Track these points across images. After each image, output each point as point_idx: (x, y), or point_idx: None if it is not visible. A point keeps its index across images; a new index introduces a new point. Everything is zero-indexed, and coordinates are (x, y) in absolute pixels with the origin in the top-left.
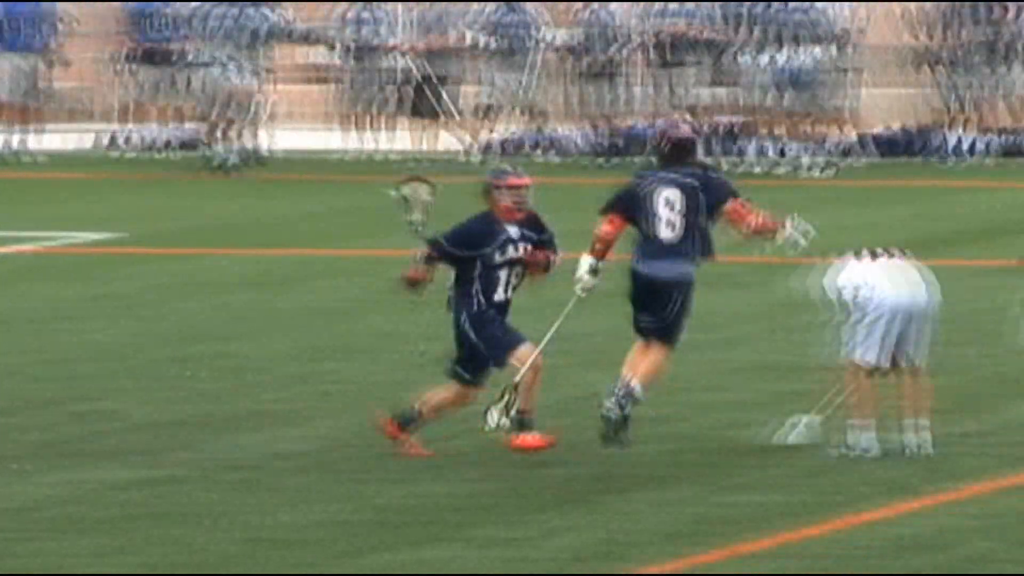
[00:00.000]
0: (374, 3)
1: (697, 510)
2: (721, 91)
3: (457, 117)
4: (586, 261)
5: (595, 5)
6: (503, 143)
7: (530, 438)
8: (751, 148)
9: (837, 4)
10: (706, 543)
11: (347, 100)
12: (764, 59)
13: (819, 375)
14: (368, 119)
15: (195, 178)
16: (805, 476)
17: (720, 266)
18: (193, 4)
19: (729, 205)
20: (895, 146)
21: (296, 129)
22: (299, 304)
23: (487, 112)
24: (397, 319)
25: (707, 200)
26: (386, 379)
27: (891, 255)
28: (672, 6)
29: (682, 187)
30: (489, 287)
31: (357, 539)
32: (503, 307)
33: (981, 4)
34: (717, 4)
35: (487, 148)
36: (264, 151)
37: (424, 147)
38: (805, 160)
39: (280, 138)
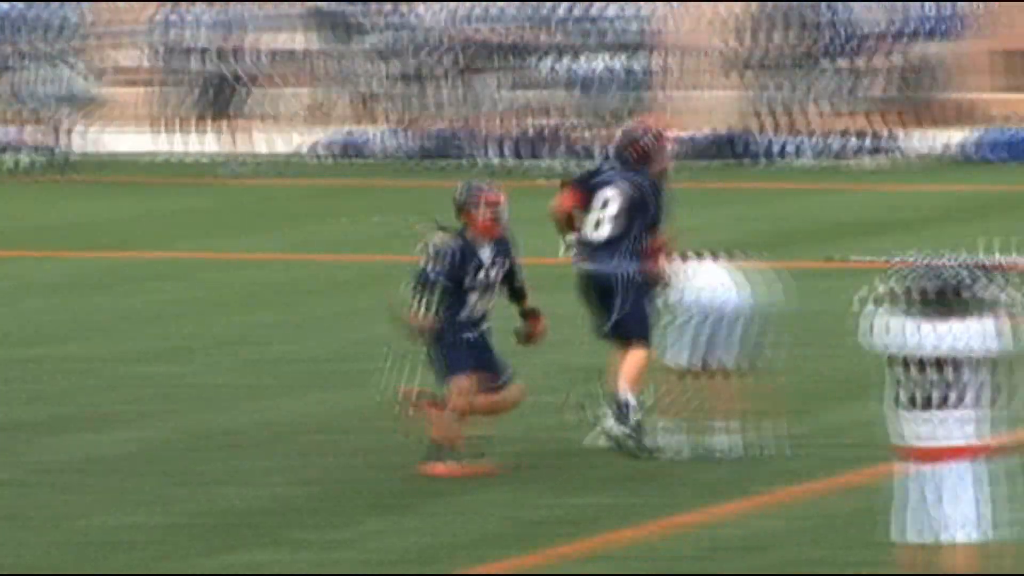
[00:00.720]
0: (182, 5)
1: (514, 513)
2: (527, 95)
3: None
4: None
5: (403, 8)
6: (330, 144)
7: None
8: (560, 153)
9: (646, 6)
10: (522, 546)
11: (157, 102)
12: (566, 64)
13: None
14: (179, 122)
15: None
16: (620, 479)
17: (551, 267)
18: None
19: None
20: (711, 148)
21: (119, 132)
22: (129, 306)
23: (316, 113)
24: (227, 322)
25: (642, 213)
26: (220, 382)
27: (706, 257)
28: (478, 10)
29: (624, 191)
30: (455, 309)
31: (175, 543)
32: (471, 327)
33: (794, 6)
34: (526, 8)
35: (315, 148)
36: (76, 153)
37: (239, 149)
38: None
39: (98, 140)
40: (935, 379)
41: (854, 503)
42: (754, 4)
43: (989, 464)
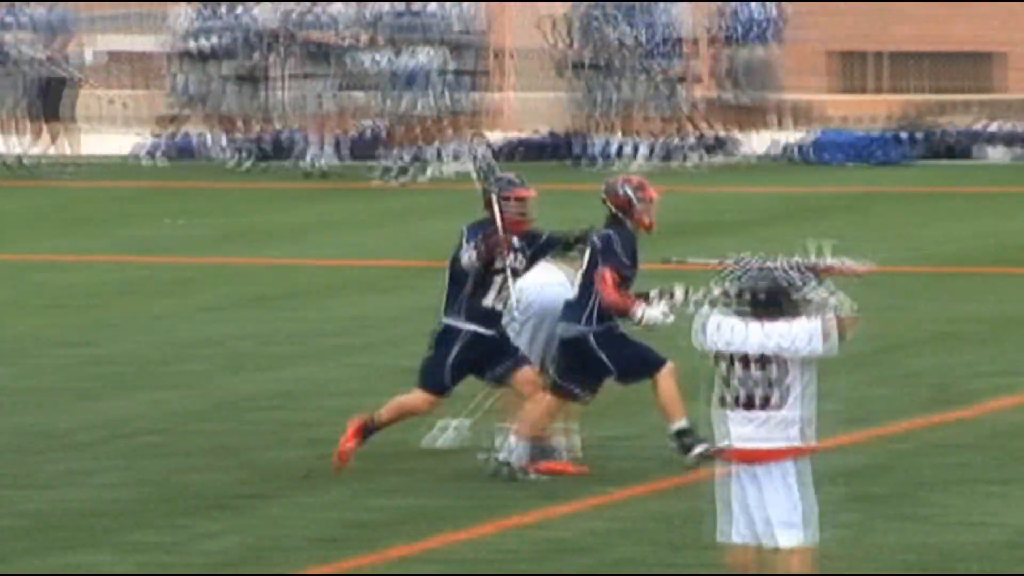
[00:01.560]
0: (16, 4)
1: (347, 514)
2: (356, 95)
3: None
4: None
5: (239, 9)
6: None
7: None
8: (392, 154)
9: (473, 5)
10: (356, 547)
11: None
12: (395, 63)
13: (467, 380)
14: (14, 123)
15: None
16: (455, 480)
17: (370, 270)
18: None
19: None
20: (545, 149)
21: None
22: None
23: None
24: (57, 323)
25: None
26: (50, 384)
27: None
28: (314, 10)
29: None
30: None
31: (5, 544)
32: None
33: (624, 6)
34: (354, 9)
35: (147, 150)
36: None
37: (70, 151)
38: (450, 165)
39: None
40: (759, 377)
41: (686, 504)
42: (583, 4)
43: (813, 465)
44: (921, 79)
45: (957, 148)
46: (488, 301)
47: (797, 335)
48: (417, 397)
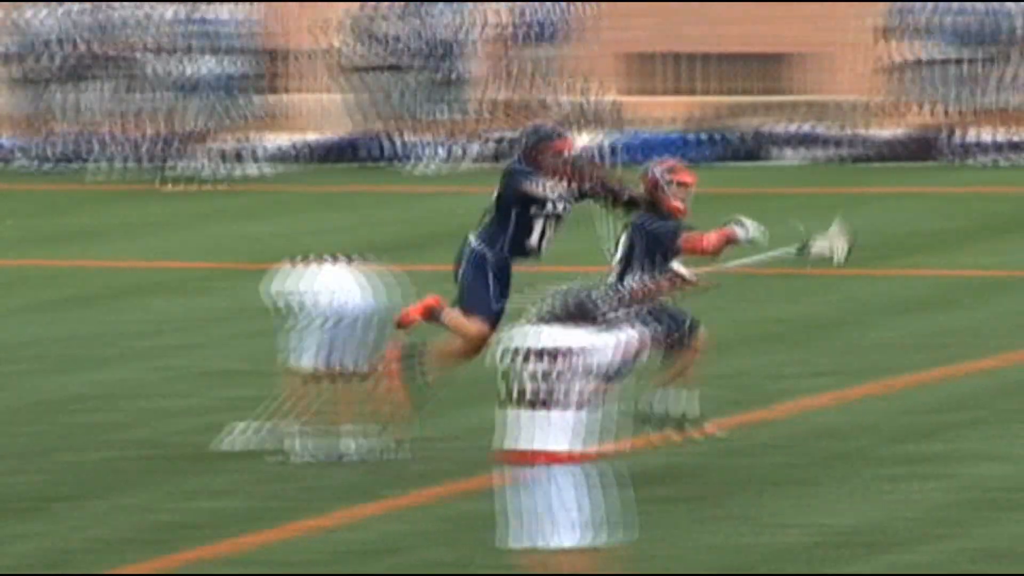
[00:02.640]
0: None
1: (152, 517)
2: (140, 99)
3: None
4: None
5: (28, 12)
6: None
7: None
8: (199, 155)
9: (254, 8)
10: (153, 550)
11: None
12: (178, 68)
13: (273, 381)
14: None
15: None
16: (255, 482)
17: (177, 271)
18: None
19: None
20: (336, 152)
21: None
22: None
23: None
24: None
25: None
26: None
27: (330, 261)
28: (88, 17)
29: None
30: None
31: None
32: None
33: (399, 6)
34: (136, 13)
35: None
36: None
37: None
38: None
39: None
40: (543, 371)
41: (482, 506)
42: (369, 5)
43: (596, 467)
44: (715, 81)
45: (750, 149)
46: (532, 240)
47: (586, 342)
48: (471, 326)
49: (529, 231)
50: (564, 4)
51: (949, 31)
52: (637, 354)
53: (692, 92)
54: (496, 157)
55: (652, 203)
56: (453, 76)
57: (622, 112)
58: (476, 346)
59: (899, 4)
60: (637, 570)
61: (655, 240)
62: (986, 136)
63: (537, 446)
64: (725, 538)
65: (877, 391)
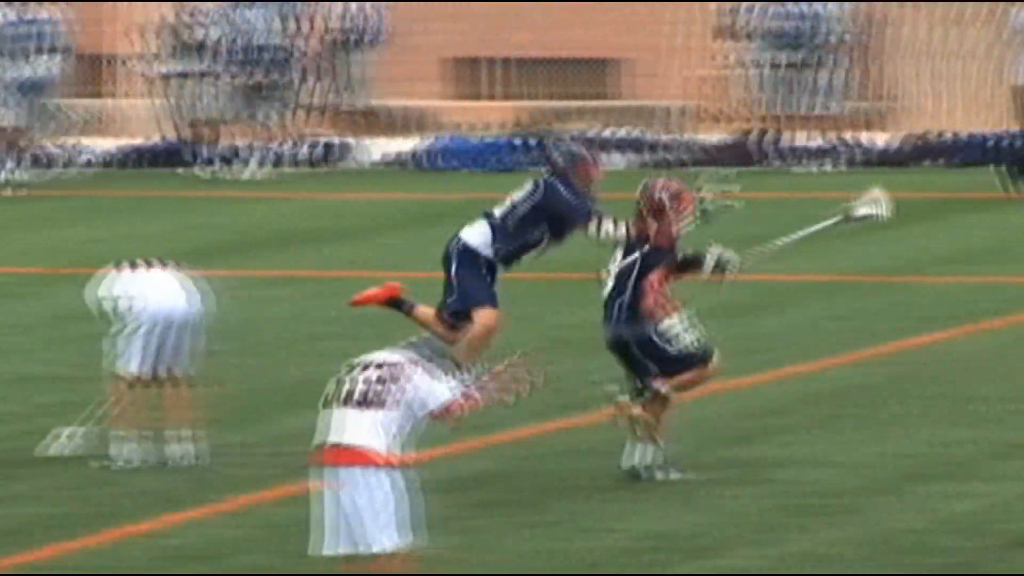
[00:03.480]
0: None
1: None
2: None
3: None
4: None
5: None
6: None
7: None
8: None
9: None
10: None
11: None
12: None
13: (97, 386)
14: None
15: None
16: (73, 488)
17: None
18: None
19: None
20: (156, 156)
21: None
22: None
23: None
24: None
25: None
26: None
27: (154, 265)
28: None
29: (535, 183)
30: None
31: None
32: None
33: (212, 11)
34: None
35: None
36: None
37: None
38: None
39: None
40: (364, 376)
41: (303, 511)
42: (185, 9)
43: (438, 471)
44: (539, 85)
45: None
46: (527, 257)
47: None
48: (487, 316)
49: (534, 247)
50: (383, 8)
51: (771, 36)
52: (448, 411)
53: (517, 97)
54: (312, 163)
55: (645, 222)
56: (270, 81)
57: (447, 117)
58: (492, 334)
59: (726, 7)
60: (455, 571)
61: (559, 218)
62: (805, 141)
63: (356, 442)
64: (542, 543)
65: (693, 396)
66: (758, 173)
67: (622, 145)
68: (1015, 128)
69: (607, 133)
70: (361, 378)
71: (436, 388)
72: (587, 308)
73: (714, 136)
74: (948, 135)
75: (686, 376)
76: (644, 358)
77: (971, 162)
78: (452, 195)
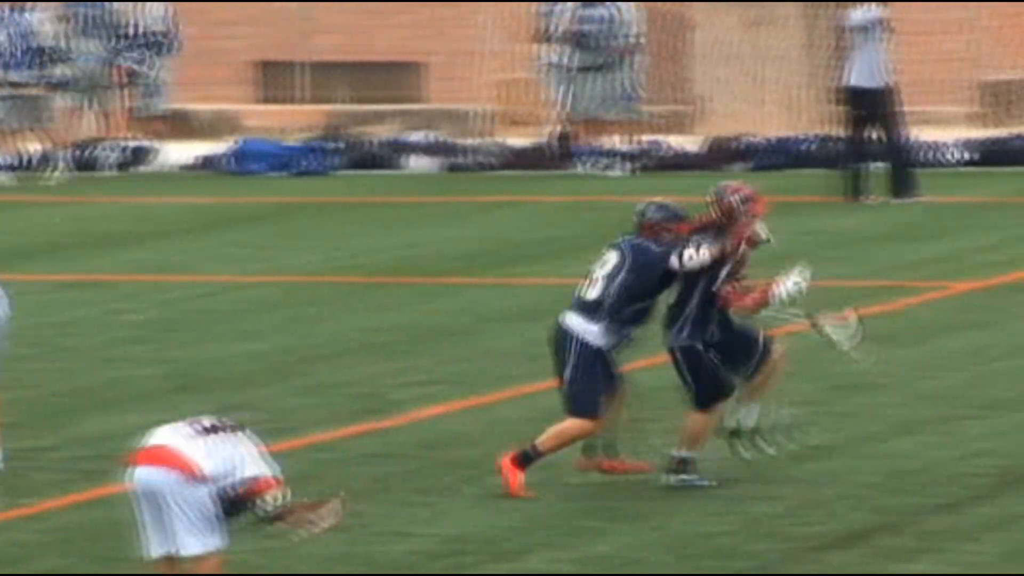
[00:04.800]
0: None
1: None
2: None
3: None
4: None
5: None
6: None
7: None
8: None
9: None
10: None
11: None
12: None
13: None
14: None
15: None
16: None
17: None
18: None
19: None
20: None
21: None
22: None
23: None
24: None
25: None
26: None
27: None
28: None
29: (619, 250)
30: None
31: None
32: None
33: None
34: None
35: None
36: None
37: None
38: None
39: None
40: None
41: (109, 515)
42: None
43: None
44: (345, 89)
45: (381, 158)
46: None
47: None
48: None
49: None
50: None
51: (573, 39)
52: (259, 485)
53: (322, 101)
54: (118, 166)
55: (719, 229)
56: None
57: (252, 120)
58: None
59: (530, 9)
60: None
61: (645, 268)
62: (605, 145)
63: (174, 445)
64: (345, 547)
65: (495, 399)
66: (561, 176)
67: (426, 149)
68: (822, 131)
69: (412, 137)
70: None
71: (259, 463)
72: (389, 312)
73: (518, 140)
74: (753, 138)
75: (760, 374)
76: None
77: (776, 166)
78: (256, 198)
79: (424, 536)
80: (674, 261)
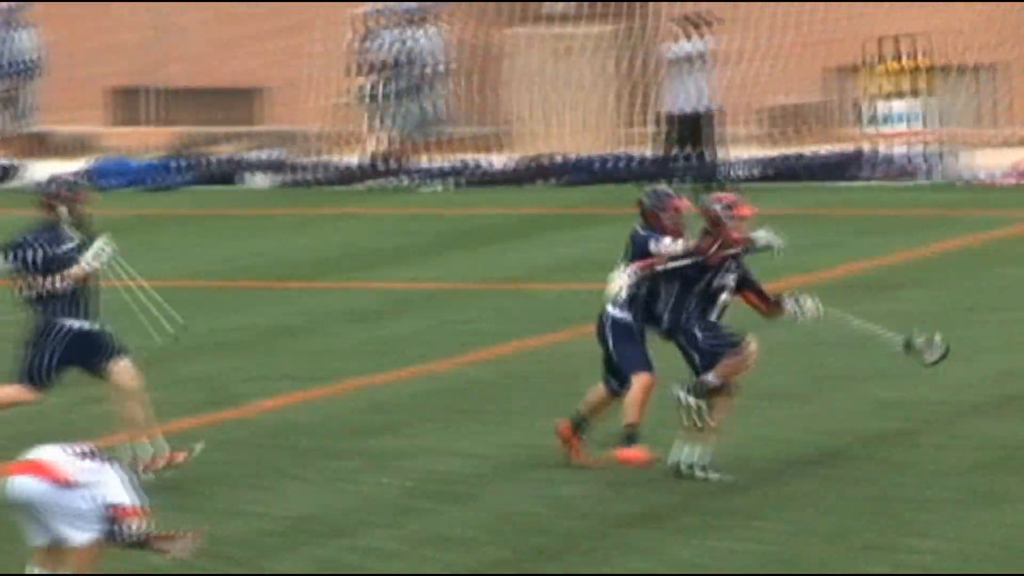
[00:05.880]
0: None
1: None
2: None
3: None
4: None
5: None
6: None
7: (632, 452)
8: None
9: None
10: None
11: None
12: None
13: None
14: None
15: None
16: None
17: None
18: None
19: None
20: None
21: None
22: None
23: None
24: None
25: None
26: None
27: None
28: None
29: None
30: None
31: None
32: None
33: None
34: None
35: None
36: None
37: None
38: None
39: None
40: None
41: None
42: None
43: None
44: (192, 112)
45: (225, 174)
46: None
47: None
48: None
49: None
50: (37, 39)
51: (390, 67)
52: (122, 516)
53: (172, 123)
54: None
55: (710, 234)
56: None
57: (109, 141)
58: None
59: (357, 41)
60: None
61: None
62: (427, 163)
63: (46, 458)
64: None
65: (334, 392)
66: (385, 191)
67: (266, 166)
68: (624, 151)
69: (252, 156)
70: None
71: (125, 491)
72: (236, 314)
73: (346, 158)
74: (558, 157)
75: (728, 363)
76: (691, 351)
77: (582, 182)
78: (113, 211)
79: (270, 517)
80: (652, 245)
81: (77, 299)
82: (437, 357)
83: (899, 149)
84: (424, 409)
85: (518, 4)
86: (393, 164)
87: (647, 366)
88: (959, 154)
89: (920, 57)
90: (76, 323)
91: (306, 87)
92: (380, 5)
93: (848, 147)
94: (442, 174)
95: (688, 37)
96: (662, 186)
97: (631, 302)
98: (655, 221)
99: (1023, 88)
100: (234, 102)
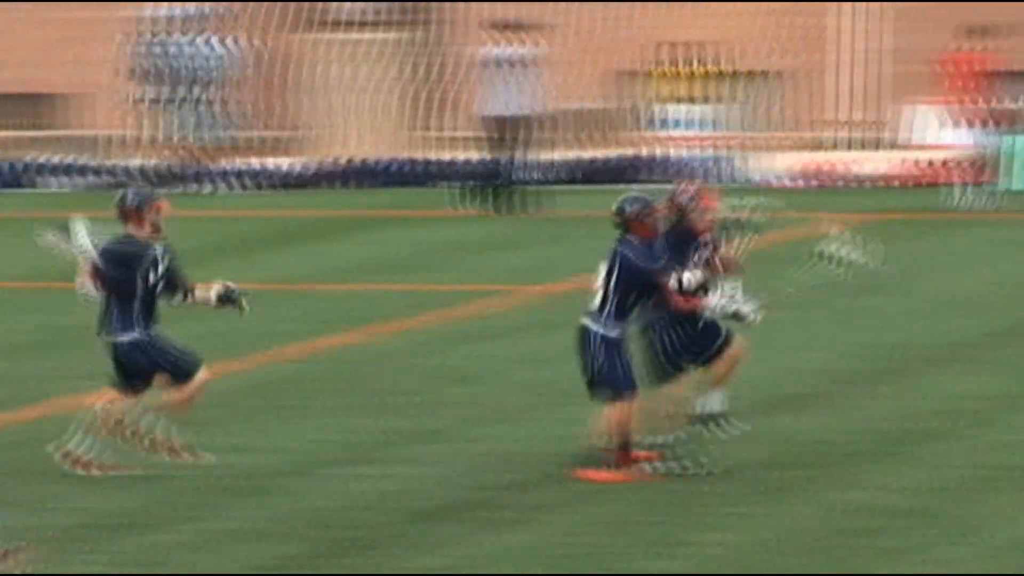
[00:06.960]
0: None
1: None
2: None
3: None
4: None
5: None
6: None
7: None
8: None
9: None
10: None
11: None
12: None
13: None
14: None
15: None
16: None
17: None
18: None
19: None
20: None
21: None
22: None
23: None
24: None
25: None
26: None
27: None
28: None
29: (611, 256)
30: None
31: None
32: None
33: None
34: None
35: None
36: None
37: None
38: None
39: None
40: None
41: None
42: None
43: None
44: None
45: (24, 179)
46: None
47: None
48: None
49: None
50: None
51: (173, 73)
52: None
53: None
54: None
55: (677, 224)
56: None
57: None
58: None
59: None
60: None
61: (634, 275)
62: (229, 166)
63: None
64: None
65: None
66: (183, 194)
67: (62, 170)
68: (412, 155)
69: (47, 160)
70: None
71: None
72: (42, 313)
73: (140, 161)
74: (347, 160)
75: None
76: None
77: (375, 185)
78: None
79: (76, 511)
80: (674, 283)
81: None
82: (235, 356)
83: (680, 152)
84: (225, 407)
85: (307, 9)
86: (188, 169)
87: (635, 384)
88: (748, 158)
89: (703, 64)
90: None
91: (97, 93)
92: (166, 6)
93: (628, 151)
94: (238, 177)
95: (498, 43)
96: (634, 193)
97: (620, 315)
98: (640, 228)
99: (808, 94)
100: (28, 107)
